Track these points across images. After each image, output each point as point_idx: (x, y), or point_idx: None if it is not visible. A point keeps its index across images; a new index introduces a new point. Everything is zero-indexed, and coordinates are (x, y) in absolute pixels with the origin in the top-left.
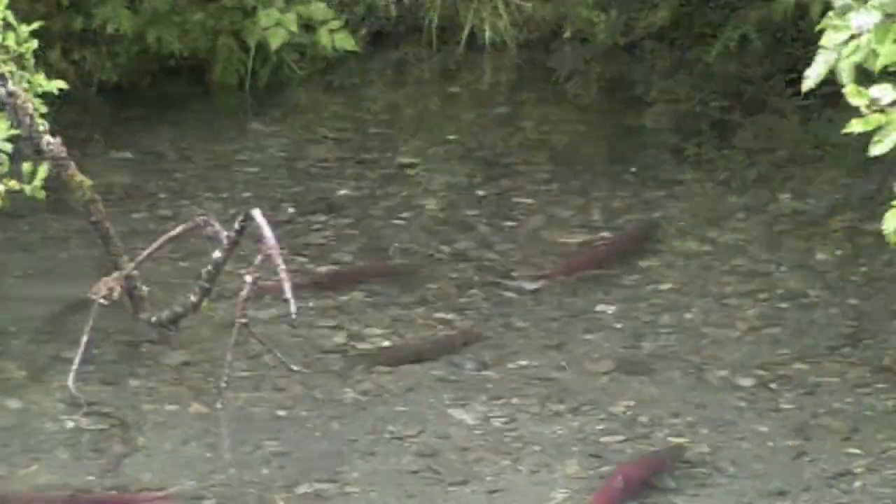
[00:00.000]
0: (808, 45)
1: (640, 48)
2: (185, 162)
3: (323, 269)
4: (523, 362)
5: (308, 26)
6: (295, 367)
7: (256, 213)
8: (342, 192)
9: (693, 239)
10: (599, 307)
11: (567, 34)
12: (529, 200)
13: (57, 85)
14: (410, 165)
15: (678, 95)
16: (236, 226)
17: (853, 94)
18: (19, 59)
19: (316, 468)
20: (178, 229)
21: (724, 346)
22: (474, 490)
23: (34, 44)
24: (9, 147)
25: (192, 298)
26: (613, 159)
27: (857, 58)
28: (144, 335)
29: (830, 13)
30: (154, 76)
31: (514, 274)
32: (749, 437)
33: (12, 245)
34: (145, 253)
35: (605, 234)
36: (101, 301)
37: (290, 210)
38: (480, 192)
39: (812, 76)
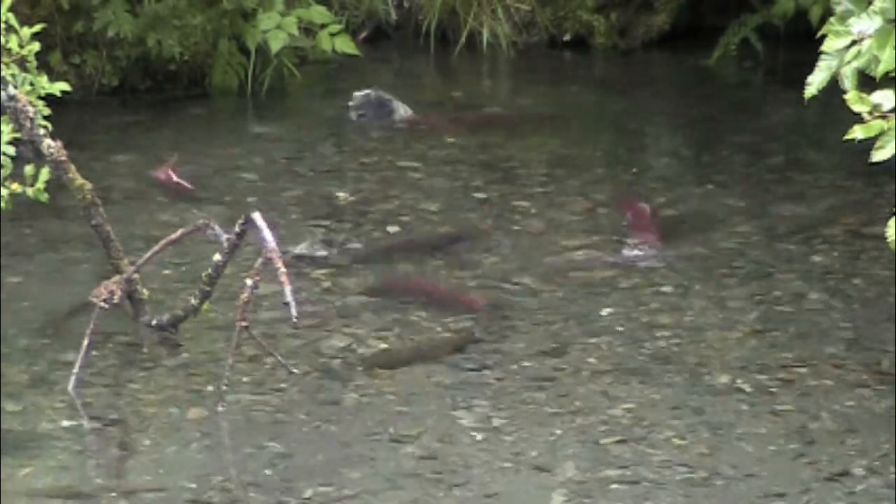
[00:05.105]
0: (809, 48)
1: (640, 51)
2: (186, 165)
3: None
4: (523, 365)
5: (308, 30)
6: (295, 370)
7: (257, 217)
8: (342, 195)
9: (692, 241)
10: (599, 310)
11: (566, 37)
12: (529, 203)
13: (60, 87)
14: (410, 168)
15: (678, 99)
16: (237, 229)
17: (855, 101)
18: (22, 62)
19: (316, 471)
20: (179, 233)
21: (723, 348)
22: (474, 492)
23: (36, 46)
24: (12, 150)
25: (193, 301)
26: (613, 162)
27: (858, 63)
28: (145, 338)
29: (831, 19)
30: (154, 80)
31: None
32: (748, 439)
33: (13, 248)
34: (146, 256)
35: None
36: (102, 304)
37: (291, 213)
38: (480, 196)
39: (814, 82)
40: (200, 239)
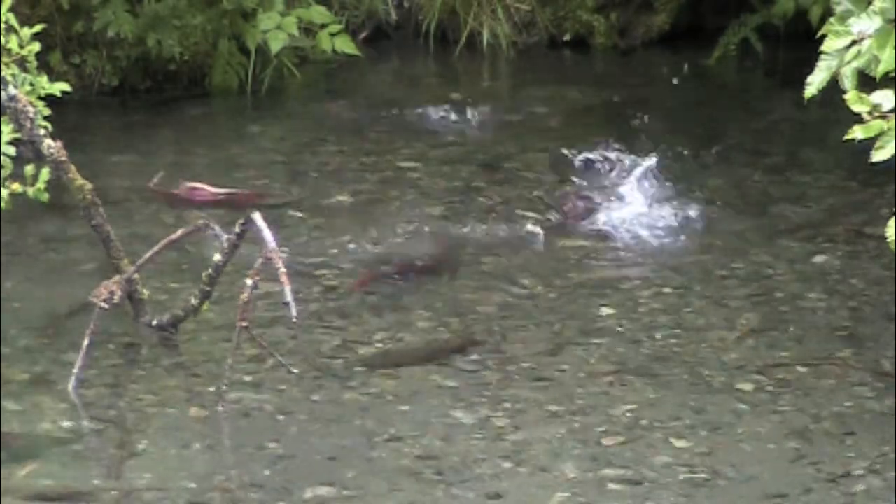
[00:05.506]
0: (809, 48)
1: (640, 51)
2: (186, 165)
3: None
4: (523, 365)
5: (308, 30)
6: (295, 370)
7: (257, 217)
8: (342, 195)
9: (692, 241)
10: (599, 310)
11: (566, 37)
12: (530, 204)
13: (60, 87)
14: (411, 169)
15: (678, 99)
16: (237, 229)
17: (854, 101)
18: (22, 62)
19: (316, 471)
20: (179, 233)
21: (723, 348)
22: (474, 493)
23: (36, 46)
24: (12, 150)
25: (193, 301)
26: (613, 164)
27: (858, 63)
28: (145, 338)
29: (831, 19)
30: (154, 80)
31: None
32: (748, 439)
33: (13, 248)
34: (146, 256)
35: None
36: (102, 304)
37: (291, 213)
38: (481, 198)
39: (814, 82)
40: (200, 239)
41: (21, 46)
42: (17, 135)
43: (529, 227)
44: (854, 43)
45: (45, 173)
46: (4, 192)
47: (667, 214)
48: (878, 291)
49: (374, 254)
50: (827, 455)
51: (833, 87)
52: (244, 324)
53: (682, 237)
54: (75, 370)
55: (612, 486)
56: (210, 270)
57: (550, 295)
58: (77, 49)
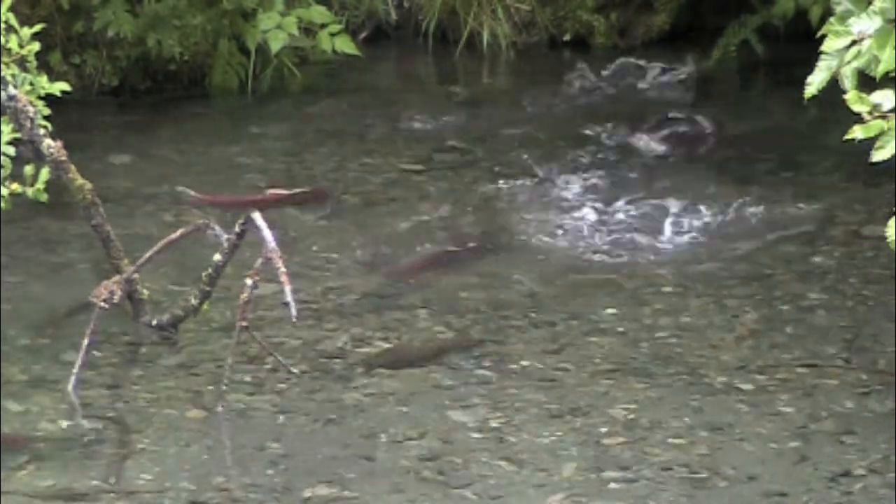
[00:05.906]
0: (809, 48)
1: (640, 51)
2: (186, 165)
3: None
4: (523, 365)
5: (308, 30)
6: (295, 370)
7: (257, 217)
8: (343, 196)
9: (692, 242)
10: (599, 310)
11: (566, 37)
12: (531, 206)
13: (60, 87)
14: (412, 171)
15: (677, 99)
16: (237, 229)
17: (854, 101)
18: (22, 62)
19: (316, 471)
20: (179, 233)
21: (723, 348)
22: (475, 493)
23: (36, 46)
24: (12, 150)
25: (193, 301)
26: (614, 164)
27: (858, 63)
28: (145, 338)
29: (831, 19)
30: (154, 80)
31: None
32: (748, 439)
33: (13, 248)
34: (146, 256)
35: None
36: (102, 304)
37: (291, 214)
38: (481, 198)
39: (814, 82)
40: (200, 239)
41: (21, 46)
42: (17, 135)
43: (529, 226)
44: (854, 43)
45: (44, 173)
46: (4, 192)
47: (666, 215)
48: (877, 291)
49: (374, 254)
50: (827, 455)
51: (833, 87)
52: (244, 324)
53: (682, 237)
54: (75, 370)
55: (611, 486)
56: (210, 270)
57: (550, 295)
58: (77, 49)
